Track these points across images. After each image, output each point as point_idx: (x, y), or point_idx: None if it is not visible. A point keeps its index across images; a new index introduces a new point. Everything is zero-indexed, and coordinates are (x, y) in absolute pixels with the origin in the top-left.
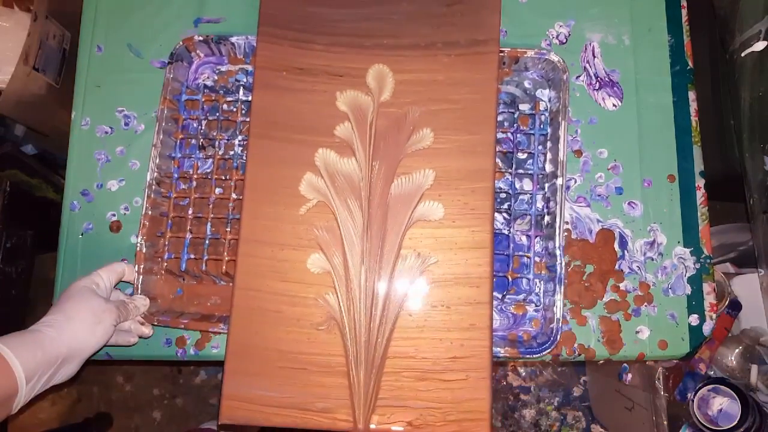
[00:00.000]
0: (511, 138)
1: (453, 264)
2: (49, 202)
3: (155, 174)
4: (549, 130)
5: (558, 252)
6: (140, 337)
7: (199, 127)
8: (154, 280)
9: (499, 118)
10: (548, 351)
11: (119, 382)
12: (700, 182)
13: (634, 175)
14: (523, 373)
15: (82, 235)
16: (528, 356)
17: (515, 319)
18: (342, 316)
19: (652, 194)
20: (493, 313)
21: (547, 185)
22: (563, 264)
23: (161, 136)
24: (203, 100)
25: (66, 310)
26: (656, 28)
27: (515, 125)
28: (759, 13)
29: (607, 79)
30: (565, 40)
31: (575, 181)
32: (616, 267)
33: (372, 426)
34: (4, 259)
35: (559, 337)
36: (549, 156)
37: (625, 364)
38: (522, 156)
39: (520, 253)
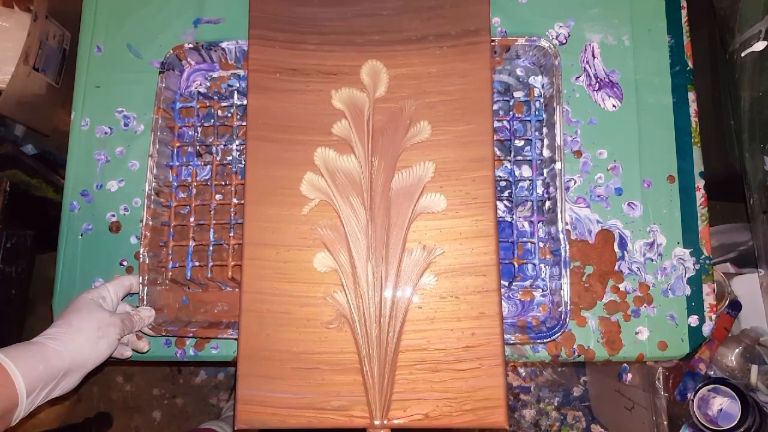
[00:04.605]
0: (508, 126)
1: (459, 254)
2: (49, 202)
3: (154, 184)
4: (544, 116)
5: (561, 236)
6: (135, 351)
7: (195, 134)
8: (159, 290)
9: (495, 106)
10: (558, 335)
11: (119, 382)
12: (699, 183)
13: (633, 175)
14: (523, 373)
15: (81, 235)
16: (539, 340)
17: (523, 306)
18: (352, 313)
19: (651, 195)
20: (502, 300)
21: (546, 170)
22: (567, 247)
23: (157, 146)
24: (198, 107)
25: (71, 323)
26: (656, 28)
27: (511, 113)
28: (759, 13)
29: (606, 79)
30: (564, 41)
31: (575, 182)
32: (616, 268)
33: (388, 421)
34: (4, 259)
35: (568, 320)
36: (546, 141)
37: (625, 365)
38: (519, 143)
39: (524, 239)
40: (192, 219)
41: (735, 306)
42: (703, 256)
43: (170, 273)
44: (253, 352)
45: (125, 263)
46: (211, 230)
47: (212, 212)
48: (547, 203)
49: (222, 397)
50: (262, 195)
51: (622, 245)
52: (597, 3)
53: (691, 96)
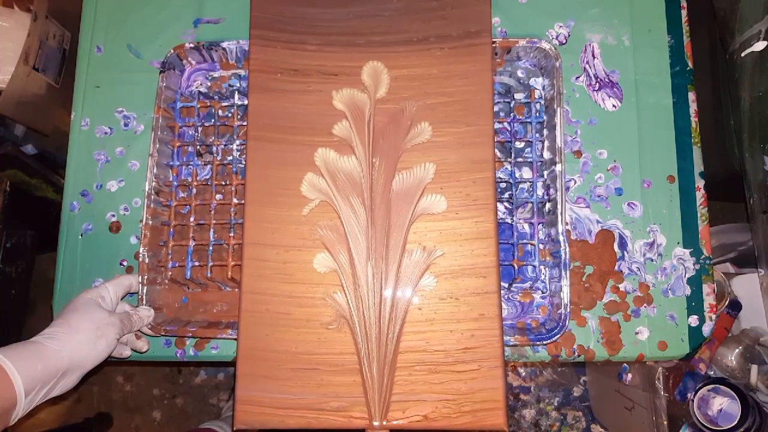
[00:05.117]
0: (508, 127)
1: (459, 255)
2: (49, 202)
3: (154, 184)
4: (545, 118)
5: (561, 238)
6: (135, 351)
7: (196, 134)
8: (159, 289)
9: (495, 108)
10: (558, 336)
11: (119, 382)
12: (699, 183)
13: (633, 175)
14: (523, 373)
15: (81, 235)
16: (538, 342)
17: (523, 308)
18: (351, 314)
19: (651, 195)
20: (501, 302)
21: (546, 172)
22: (567, 249)
23: (158, 145)
24: (198, 106)
25: (69, 323)
26: (656, 28)
27: (511, 115)
28: (759, 13)
29: (606, 79)
30: (564, 41)
31: (575, 182)
32: (616, 268)
33: (387, 422)
34: (4, 259)
35: (567, 322)
36: (546, 143)
37: (625, 365)
38: (520, 145)
39: (524, 241)
40: (192, 219)
41: (735, 306)
42: (703, 256)
43: (170, 273)
44: (252, 353)
45: (125, 263)
46: (211, 230)
47: (212, 212)
48: (548, 205)
49: (222, 397)
50: (263, 195)
51: (622, 245)
52: (597, 3)
53: (691, 96)
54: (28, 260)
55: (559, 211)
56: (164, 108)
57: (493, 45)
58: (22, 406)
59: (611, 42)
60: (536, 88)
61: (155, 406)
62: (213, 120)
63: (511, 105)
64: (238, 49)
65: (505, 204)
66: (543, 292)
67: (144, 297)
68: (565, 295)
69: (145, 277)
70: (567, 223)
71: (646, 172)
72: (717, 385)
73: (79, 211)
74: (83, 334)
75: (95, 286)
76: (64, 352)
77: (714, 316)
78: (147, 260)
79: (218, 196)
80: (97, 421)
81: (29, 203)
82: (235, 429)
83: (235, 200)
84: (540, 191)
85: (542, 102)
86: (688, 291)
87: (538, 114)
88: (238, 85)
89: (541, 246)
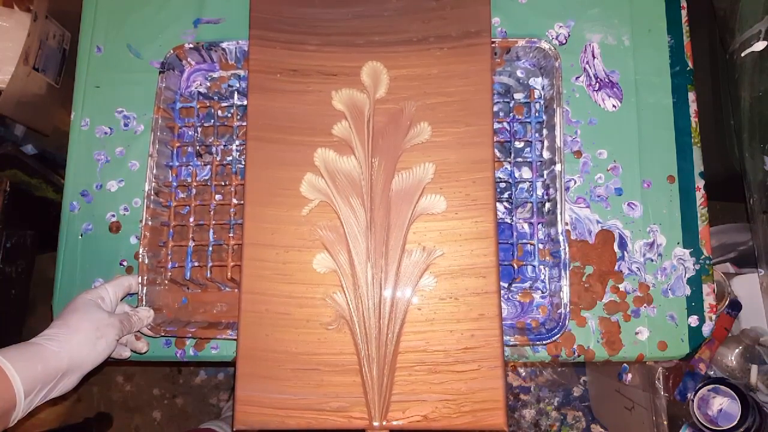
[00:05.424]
0: (508, 127)
1: (459, 255)
2: (49, 202)
3: (153, 184)
4: (544, 118)
5: (561, 237)
6: (134, 352)
7: (195, 134)
8: (159, 290)
9: (495, 108)
10: (558, 336)
11: (119, 382)
12: (699, 183)
13: (633, 176)
14: (523, 373)
15: (81, 235)
16: (538, 342)
17: (523, 307)
18: (351, 315)
19: (651, 195)
20: (501, 302)
21: (546, 172)
22: (567, 249)
23: (157, 146)
24: (198, 107)
25: (69, 324)
26: (656, 28)
27: (511, 114)
28: (759, 13)
29: (606, 79)
30: (564, 41)
31: (575, 182)
32: (616, 268)
33: (387, 422)
34: (4, 259)
35: (567, 322)
36: (546, 143)
37: (625, 365)
38: (519, 145)
39: (524, 241)
40: (191, 219)
41: (735, 306)
42: (703, 256)
43: (169, 273)
44: (252, 353)
45: (125, 263)
46: (211, 230)
47: (212, 212)
48: (547, 205)
49: (222, 397)
50: (262, 195)
51: (622, 245)
52: (597, 3)
53: (691, 96)
54: (28, 260)
55: (558, 210)
56: (164, 108)
57: (493, 45)
58: (21, 407)
59: (611, 42)
60: (536, 88)
61: (155, 406)
62: (212, 120)
63: (511, 105)
64: (238, 50)
65: (505, 204)
66: (543, 292)
67: (144, 297)
68: (565, 295)
69: (145, 277)
70: (567, 223)
71: (646, 172)
72: (717, 385)
73: (79, 211)
74: (83, 335)
75: (95, 286)
76: (64, 353)
77: (714, 316)
78: (147, 261)
79: (218, 197)
80: (97, 421)
81: (29, 203)
82: (234, 429)
83: (234, 201)
84: (540, 191)
85: (542, 102)
86: (688, 291)
87: (537, 114)
88: (237, 85)
89: (541, 246)
